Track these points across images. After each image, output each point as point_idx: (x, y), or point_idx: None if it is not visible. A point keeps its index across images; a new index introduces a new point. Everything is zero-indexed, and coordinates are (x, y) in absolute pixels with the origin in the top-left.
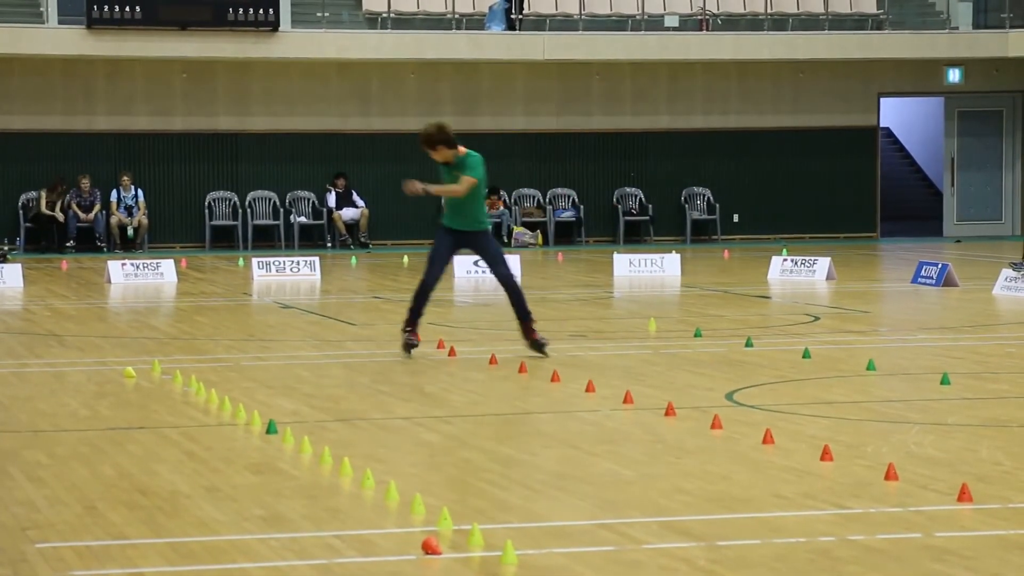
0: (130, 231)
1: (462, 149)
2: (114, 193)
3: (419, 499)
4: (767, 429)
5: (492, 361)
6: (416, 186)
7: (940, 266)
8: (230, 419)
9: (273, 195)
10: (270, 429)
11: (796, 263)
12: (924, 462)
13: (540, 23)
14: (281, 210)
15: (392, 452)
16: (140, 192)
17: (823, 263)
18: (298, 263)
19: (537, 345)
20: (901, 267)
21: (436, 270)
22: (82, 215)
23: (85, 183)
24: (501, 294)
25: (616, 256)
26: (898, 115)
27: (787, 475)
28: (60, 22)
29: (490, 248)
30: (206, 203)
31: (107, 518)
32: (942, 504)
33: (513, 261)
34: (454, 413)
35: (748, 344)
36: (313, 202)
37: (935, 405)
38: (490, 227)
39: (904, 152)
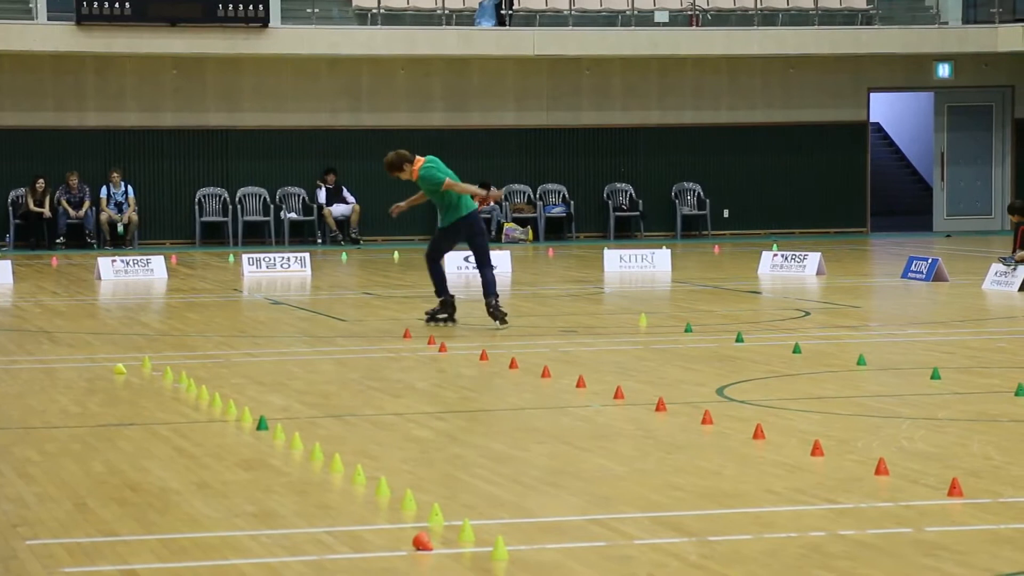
0: (120, 228)
1: (418, 162)
2: (104, 189)
3: (410, 495)
4: (758, 424)
5: (483, 357)
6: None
7: (930, 261)
8: (221, 415)
9: (263, 191)
10: (261, 425)
11: (786, 258)
12: (915, 457)
13: (530, 19)
14: (271, 206)
15: (383, 448)
16: (130, 188)
17: (813, 258)
18: (288, 259)
19: (497, 315)
20: (891, 262)
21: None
22: (72, 212)
23: (73, 179)
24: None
25: (606, 251)
26: (888, 110)
27: (778, 470)
28: (49, 18)
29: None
30: (196, 199)
31: (98, 515)
32: (933, 499)
33: (503, 257)
34: (445, 409)
35: (739, 339)
36: (303, 198)
37: (925, 400)
38: (466, 215)
39: (894, 147)
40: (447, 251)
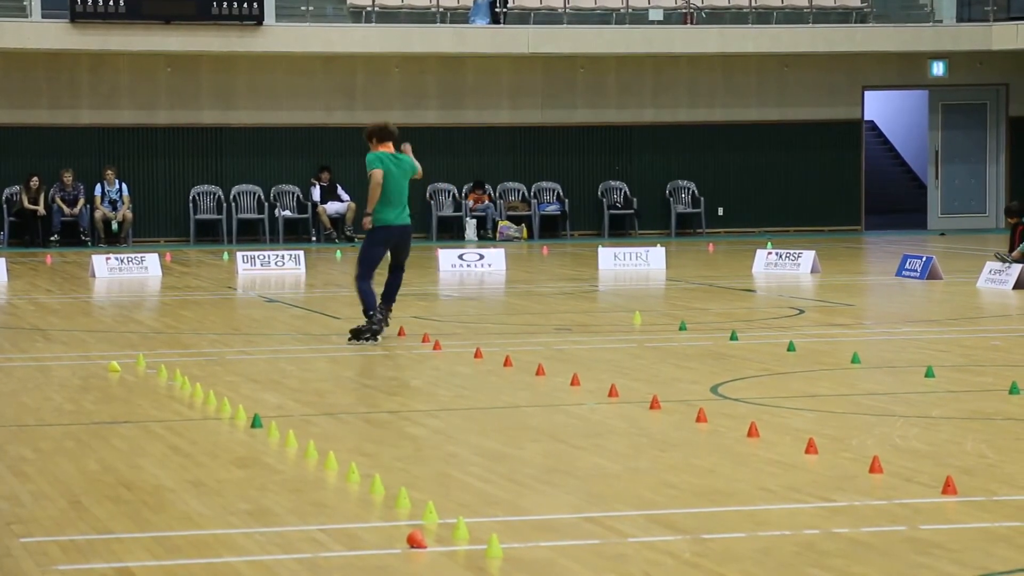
0: (114, 225)
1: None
2: (98, 187)
3: (404, 493)
4: (752, 422)
5: (477, 355)
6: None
7: (924, 259)
8: (215, 413)
9: (258, 189)
10: (255, 423)
11: (781, 256)
12: (909, 455)
13: (525, 17)
14: (266, 204)
15: (377, 446)
16: (124, 186)
17: (808, 256)
18: (283, 257)
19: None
20: (885, 260)
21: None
22: (66, 209)
23: (68, 177)
24: (487, 289)
25: (601, 250)
26: (882, 108)
27: (772, 468)
28: (44, 16)
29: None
30: (190, 197)
31: (92, 512)
32: (927, 497)
33: (498, 255)
34: (439, 407)
35: (733, 337)
36: (298, 196)
37: (920, 398)
38: (382, 225)
39: (888, 145)
40: (378, 261)
